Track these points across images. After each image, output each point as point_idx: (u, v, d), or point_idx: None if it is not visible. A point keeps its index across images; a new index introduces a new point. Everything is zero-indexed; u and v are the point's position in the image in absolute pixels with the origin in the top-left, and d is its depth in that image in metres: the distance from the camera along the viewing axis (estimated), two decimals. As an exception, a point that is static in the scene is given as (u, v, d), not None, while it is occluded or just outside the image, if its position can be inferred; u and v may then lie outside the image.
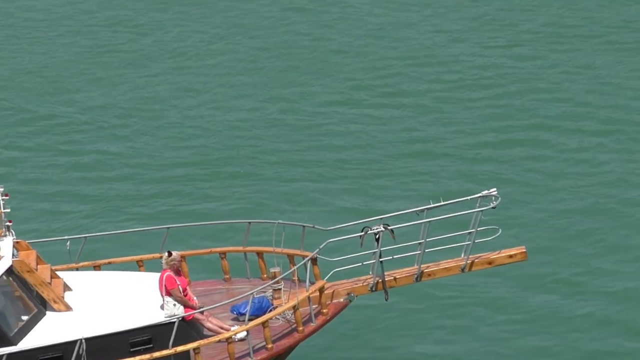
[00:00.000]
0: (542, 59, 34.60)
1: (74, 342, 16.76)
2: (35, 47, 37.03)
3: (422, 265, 17.90)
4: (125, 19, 38.85)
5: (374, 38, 36.49)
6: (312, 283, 17.88)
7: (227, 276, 19.52)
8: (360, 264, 17.99)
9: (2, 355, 16.86)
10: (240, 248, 19.50)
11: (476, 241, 17.80)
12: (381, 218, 17.99)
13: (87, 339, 16.70)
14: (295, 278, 18.36)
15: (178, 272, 17.65)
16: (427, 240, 17.72)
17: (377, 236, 17.56)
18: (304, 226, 18.72)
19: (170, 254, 17.67)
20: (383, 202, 25.85)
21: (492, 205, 17.48)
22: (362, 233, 17.64)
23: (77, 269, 19.61)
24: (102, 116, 31.81)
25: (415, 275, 17.99)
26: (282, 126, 30.71)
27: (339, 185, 27.30)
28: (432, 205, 17.94)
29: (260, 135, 30.22)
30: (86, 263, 19.71)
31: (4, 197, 17.88)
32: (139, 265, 19.64)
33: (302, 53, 35.55)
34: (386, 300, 18.21)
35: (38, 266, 18.08)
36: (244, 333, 17.23)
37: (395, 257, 17.94)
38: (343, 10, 38.69)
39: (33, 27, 38.49)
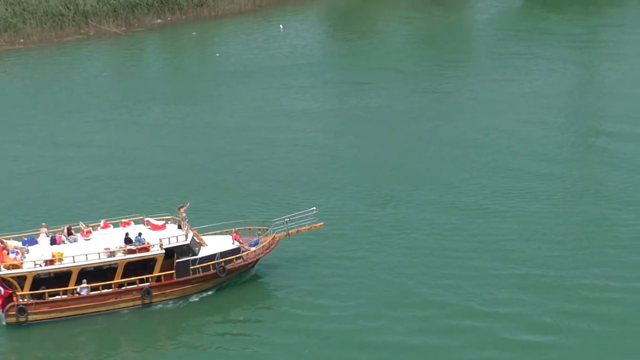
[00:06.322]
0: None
1: (215, 254, 63.46)
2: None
3: (296, 229, 67.37)
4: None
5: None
6: (271, 235, 66.60)
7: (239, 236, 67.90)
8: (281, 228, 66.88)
9: (197, 258, 62.92)
10: (247, 227, 67.82)
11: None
12: (288, 216, 67.24)
13: (220, 252, 63.49)
14: (264, 235, 66.80)
15: (237, 234, 66.26)
16: (299, 223, 67.33)
17: (286, 220, 66.63)
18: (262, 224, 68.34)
19: (237, 230, 66.41)
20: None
21: (313, 213, 67.37)
22: (282, 220, 66.98)
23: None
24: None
25: (295, 233, 67.34)
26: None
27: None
28: (300, 212, 67.81)
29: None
30: (210, 232, 66.71)
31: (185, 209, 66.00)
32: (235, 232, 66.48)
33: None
34: (288, 237, 67.10)
35: (198, 235, 66.34)
36: (254, 250, 65.74)
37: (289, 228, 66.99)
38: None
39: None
